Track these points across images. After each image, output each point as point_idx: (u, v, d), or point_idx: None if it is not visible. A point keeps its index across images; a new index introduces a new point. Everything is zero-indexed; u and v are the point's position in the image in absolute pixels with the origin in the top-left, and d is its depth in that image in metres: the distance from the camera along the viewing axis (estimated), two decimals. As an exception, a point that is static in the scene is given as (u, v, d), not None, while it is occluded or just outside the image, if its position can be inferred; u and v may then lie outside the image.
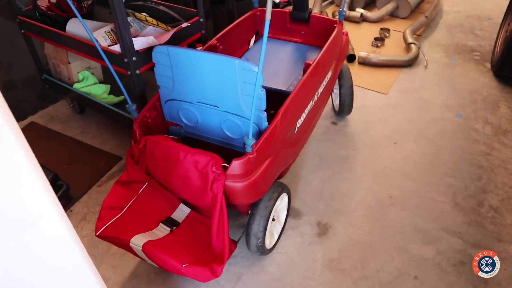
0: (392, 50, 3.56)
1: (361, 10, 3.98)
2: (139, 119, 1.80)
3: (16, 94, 2.86)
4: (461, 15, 4.23)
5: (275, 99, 1.97)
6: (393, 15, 4.09)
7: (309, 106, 1.99)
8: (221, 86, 1.65)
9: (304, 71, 1.97)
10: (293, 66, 2.35)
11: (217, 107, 1.72)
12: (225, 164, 1.58)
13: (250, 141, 1.52)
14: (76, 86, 2.57)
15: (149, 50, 1.99)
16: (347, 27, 3.93)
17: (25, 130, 2.83)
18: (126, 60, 1.95)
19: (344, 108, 2.62)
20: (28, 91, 2.92)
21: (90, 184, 2.38)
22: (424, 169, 2.40)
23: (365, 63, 3.30)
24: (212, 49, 2.19)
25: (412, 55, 3.33)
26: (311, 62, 1.99)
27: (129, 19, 2.19)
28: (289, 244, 1.99)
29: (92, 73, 2.66)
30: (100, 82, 2.68)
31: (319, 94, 2.10)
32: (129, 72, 2.00)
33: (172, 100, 1.82)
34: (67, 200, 2.27)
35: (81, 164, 2.52)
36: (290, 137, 1.85)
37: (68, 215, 2.17)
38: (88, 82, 2.62)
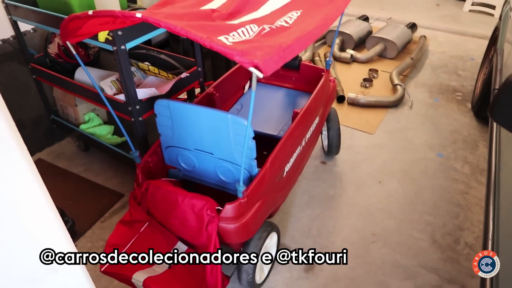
0: (380, 90, 3.78)
1: (351, 51, 4.22)
2: (141, 164, 1.98)
3: (25, 133, 3.01)
4: (446, 56, 4.48)
5: (267, 141, 2.18)
6: (381, 55, 4.33)
7: (297, 151, 2.18)
8: (215, 136, 1.83)
9: (293, 119, 2.17)
10: (284, 111, 2.55)
11: (212, 154, 1.91)
12: (219, 207, 1.75)
13: (241, 187, 1.70)
14: (82, 127, 2.76)
15: (151, 99, 2.19)
16: (338, 67, 4.16)
17: (33, 167, 3.01)
18: (130, 108, 2.15)
19: (332, 149, 2.81)
20: (36, 130, 3.11)
21: (94, 220, 2.55)
22: (406, 207, 2.57)
23: (354, 103, 3.51)
24: (209, 96, 2.39)
25: (397, 96, 3.55)
26: (299, 111, 2.19)
27: (133, 69, 2.40)
28: (278, 279, 2.14)
29: (97, 115, 2.86)
30: (105, 123, 2.87)
31: (306, 139, 2.29)
32: (132, 119, 2.19)
33: (172, 146, 2.00)
34: (72, 235, 2.40)
35: (86, 200, 2.69)
36: (279, 181, 2.03)
37: (73, 250, 2.34)
38: (94, 123, 2.81)
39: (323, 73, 2.55)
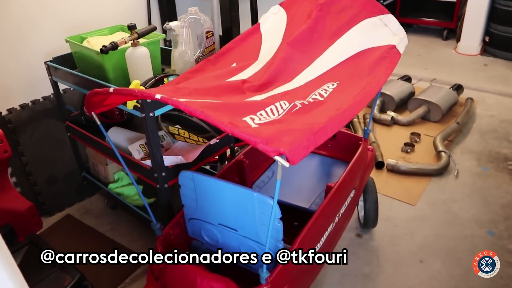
0: (422, 156, 3.57)
1: (392, 113, 4.06)
2: (162, 237, 1.87)
3: (56, 188, 3.04)
4: (495, 120, 4.22)
5: (298, 211, 2.04)
6: (424, 118, 4.14)
7: (329, 229, 2.01)
8: (240, 213, 1.71)
9: (326, 194, 2.02)
10: (317, 181, 2.40)
11: (236, 230, 1.78)
12: (240, 292, 1.60)
13: (264, 274, 1.55)
14: (111, 186, 2.72)
15: (178, 166, 2.11)
16: (378, 130, 4.00)
17: (61, 222, 2.99)
18: (155, 175, 2.08)
19: (369, 222, 2.62)
20: (68, 185, 3.10)
21: (113, 285, 2.44)
22: (451, 293, 2.31)
23: (393, 170, 3.31)
24: (239, 164, 2.29)
25: (442, 163, 3.33)
26: (332, 185, 2.04)
27: (162, 133, 2.35)
28: None
29: (127, 174, 2.82)
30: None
31: (340, 215, 2.13)
32: (158, 185, 2.11)
33: (195, 219, 1.89)
34: (90, 301, 2.32)
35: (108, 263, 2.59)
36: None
37: (89, 319, 2.22)
38: (123, 183, 2.77)
39: (360, 142, 2.41)
